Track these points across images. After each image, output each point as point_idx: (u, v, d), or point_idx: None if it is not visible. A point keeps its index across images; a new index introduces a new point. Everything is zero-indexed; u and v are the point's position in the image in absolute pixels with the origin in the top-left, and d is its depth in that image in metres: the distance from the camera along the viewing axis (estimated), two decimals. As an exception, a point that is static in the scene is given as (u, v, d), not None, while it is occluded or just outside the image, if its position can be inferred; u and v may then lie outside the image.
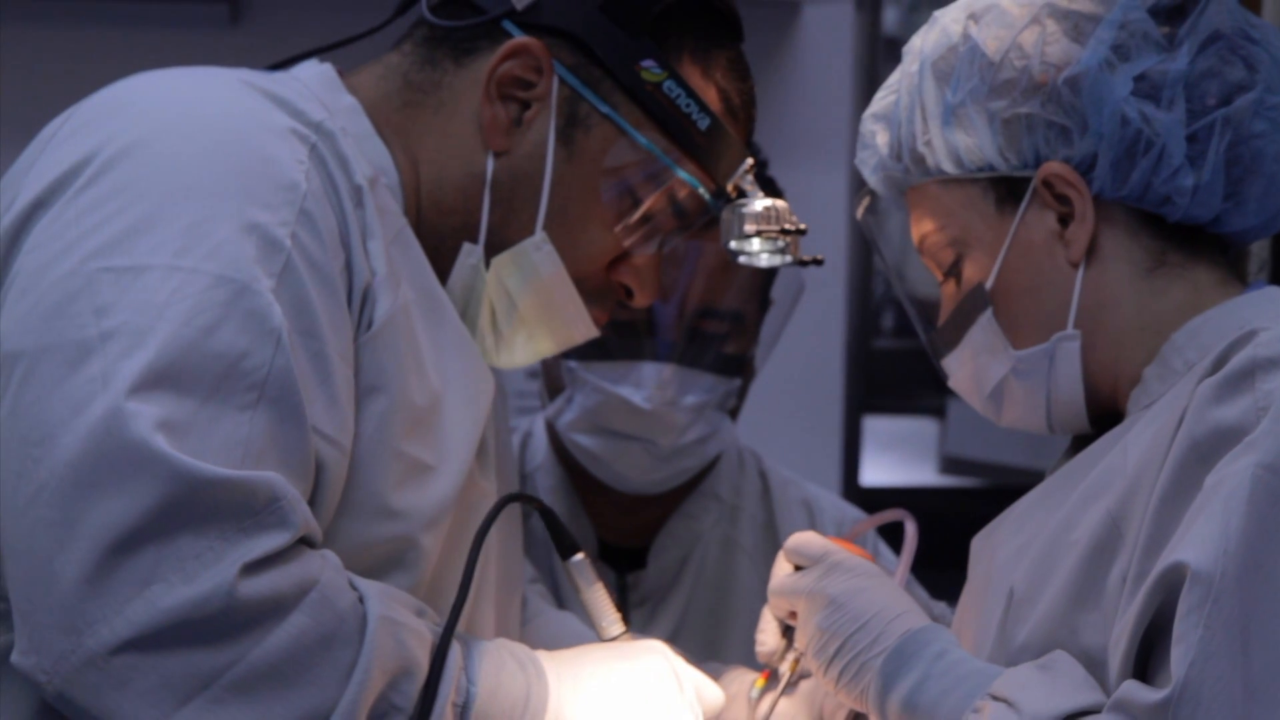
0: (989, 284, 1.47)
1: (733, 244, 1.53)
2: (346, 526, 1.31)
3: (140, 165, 1.25)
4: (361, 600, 1.24)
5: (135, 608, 1.13)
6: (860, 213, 1.63)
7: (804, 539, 1.50)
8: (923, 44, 1.50)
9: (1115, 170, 1.41)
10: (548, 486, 2.05)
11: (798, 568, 1.50)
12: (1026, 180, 1.44)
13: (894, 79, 1.54)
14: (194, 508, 1.14)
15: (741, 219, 1.51)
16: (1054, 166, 1.42)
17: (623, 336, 1.90)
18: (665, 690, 1.40)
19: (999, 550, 1.44)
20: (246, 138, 1.29)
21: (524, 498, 1.46)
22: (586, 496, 2.04)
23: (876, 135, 1.54)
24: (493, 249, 1.47)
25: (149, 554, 1.13)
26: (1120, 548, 1.30)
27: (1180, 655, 1.17)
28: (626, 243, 1.50)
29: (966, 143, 1.46)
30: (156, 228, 1.22)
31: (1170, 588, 1.20)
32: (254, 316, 1.21)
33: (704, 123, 1.47)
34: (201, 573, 1.14)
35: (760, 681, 1.57)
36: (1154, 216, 1.43)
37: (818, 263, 1.58)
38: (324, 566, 1.22)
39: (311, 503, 1.26)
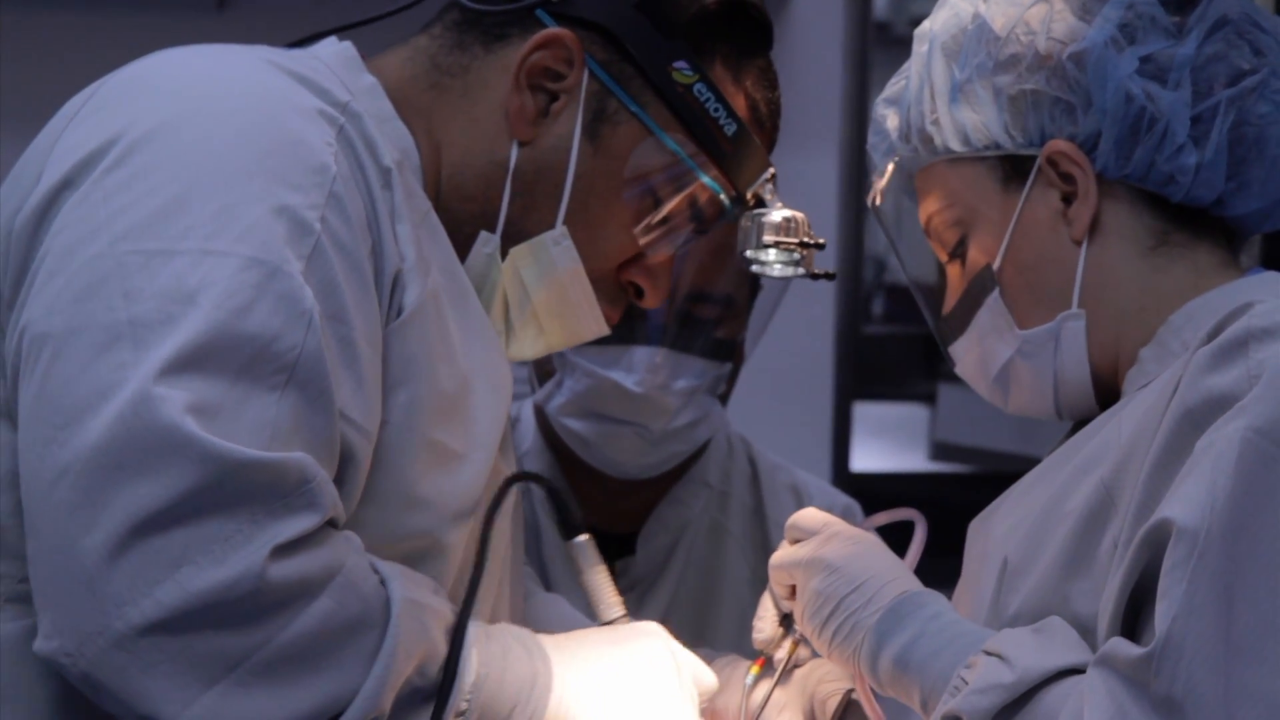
0: (996, 264, 1.47)
1: (749, 253, 1.52)
2: (373, 516, 1.30)
3: (169, 147, 1.23)
4: (384, 583, 1.23)
5: (165, 589, 1.11)
6: (873, 199, 1.62)
7: (804, 514, 1.50)
8: (933, 25, 1.52)
9: (1119, 148, 1.42)
10: (535, 471, 2.04)
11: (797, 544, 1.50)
12: (1031, 159, 1.45)
13: (906, 65, 1.54)
14: (225, 490, 1.13)
15: (761, 228, 1.50)
16: (1058, 144, 1.43)
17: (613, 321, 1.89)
18: (663, 673, 1.40)
19: (995, 529, 1.45)
20: (275, 119, 1.26)
21: (532, 476, 1.44)
22: (575, 481, 2.04)
23: (887, 119, 1.55)
24: (509, 239, 1.45)
25: (178, 536, 1.12)
26: (1112, 515, 1.31)
27: (1164, 610, 1.17)
28: (643, 242, 1.48)
29: (973, 120, 1.46)
30: (187, 211, 1.20)
31: (1157, 544, 1.21)
32: (286, 298, 1.19)
33: (731, 128, 1.46)
34: (231, 555, 1.12)
35: (755, 668, 1.56)
36: (1158, 197, 1.43)
37: (829, 276, 1.57)
38: (349, 549, 1.21)
39: (337, 488, 1.24)
